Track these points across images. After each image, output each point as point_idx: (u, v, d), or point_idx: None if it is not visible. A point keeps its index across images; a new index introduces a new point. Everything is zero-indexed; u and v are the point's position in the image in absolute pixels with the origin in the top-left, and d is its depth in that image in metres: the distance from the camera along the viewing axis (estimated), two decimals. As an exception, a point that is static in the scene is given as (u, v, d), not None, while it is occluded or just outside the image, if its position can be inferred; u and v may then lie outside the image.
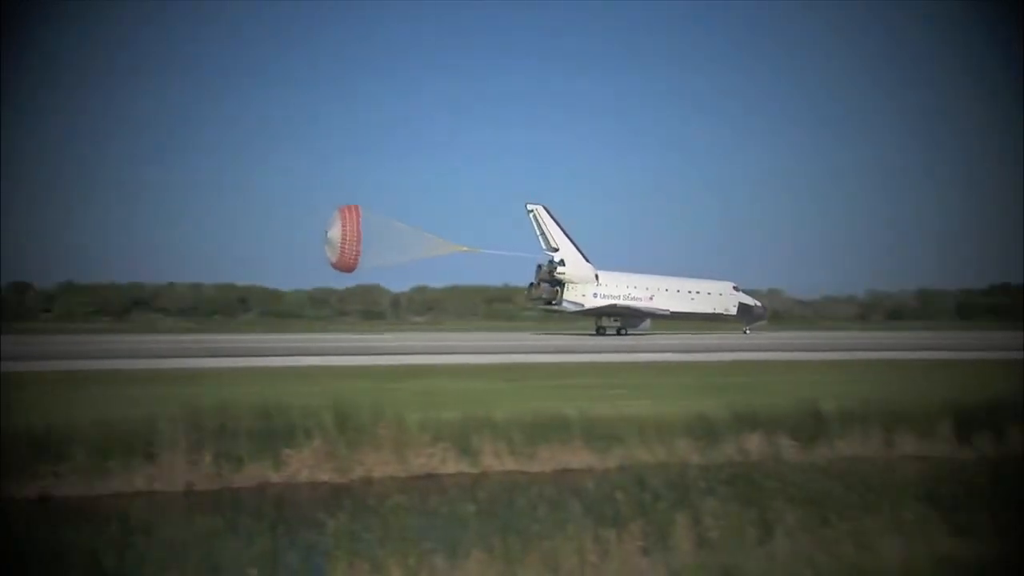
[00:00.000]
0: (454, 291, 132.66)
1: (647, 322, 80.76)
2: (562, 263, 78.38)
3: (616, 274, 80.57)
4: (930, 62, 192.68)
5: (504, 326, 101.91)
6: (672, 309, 79.86)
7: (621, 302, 78.96)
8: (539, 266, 79.65)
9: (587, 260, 78.91)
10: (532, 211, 79.00)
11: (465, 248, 76.46)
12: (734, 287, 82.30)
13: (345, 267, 71.83)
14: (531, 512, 15.42)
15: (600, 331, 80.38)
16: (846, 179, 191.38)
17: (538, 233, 78.76)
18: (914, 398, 25.51)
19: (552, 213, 79.11)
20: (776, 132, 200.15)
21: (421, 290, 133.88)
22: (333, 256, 70.77)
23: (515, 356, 45.44)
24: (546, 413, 23.19)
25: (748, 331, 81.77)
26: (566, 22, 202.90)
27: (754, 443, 22.28)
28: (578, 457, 21.98)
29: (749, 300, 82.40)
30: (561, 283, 78.52)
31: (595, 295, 78.95)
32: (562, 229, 79.09)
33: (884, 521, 14.68)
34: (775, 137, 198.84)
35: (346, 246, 70.43)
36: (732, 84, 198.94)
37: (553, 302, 78.93)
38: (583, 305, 78.80)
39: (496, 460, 21.66)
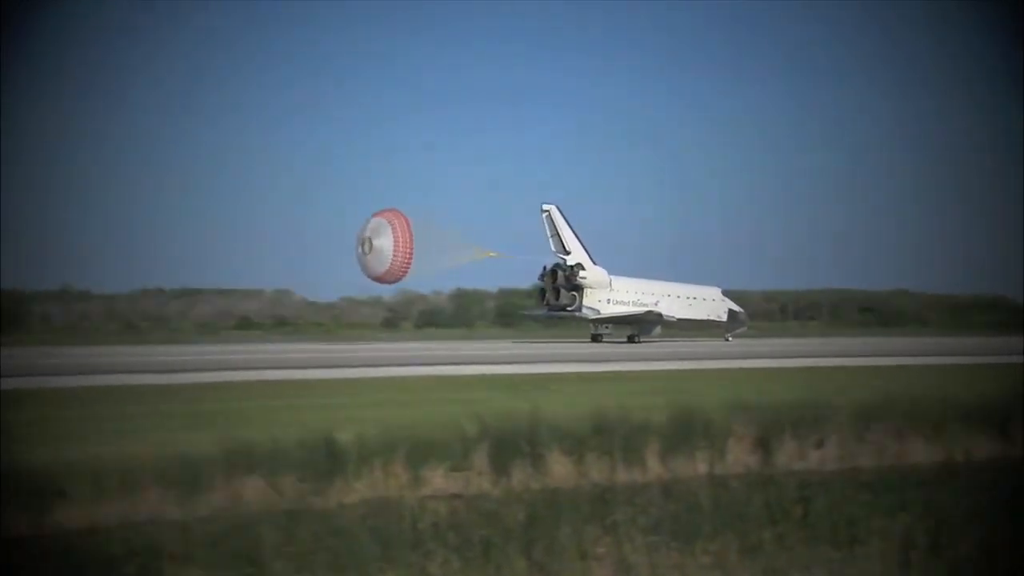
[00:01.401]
0: (456, 297, 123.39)
1: (658, 328, 79.14)
2: (581, 267, 76.47)
3: (626, 279, 79.21)
4: (927, 63, 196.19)
5: (507, 334, 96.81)
6: (677, 316, 79.19)
7: (634, 309, 77.64)
8: (550, 270, 77.44)
9: (595, 264, 77.56)
10: (547, 211, 77.03)
11: (493, 253, 74.42)
12: (722, 292, 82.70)
13: (392, 279, 70.18)
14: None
15: (596, 338, 78.60)
16: (832, 179, 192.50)
17: (550, 235, 76.92)
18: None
19: (564, 215, 77.57)
20: (761, 130, 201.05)
21: (411, 296, 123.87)
22: (380, 267, 68.33)
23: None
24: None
25: (730, 338, 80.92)
26: (565, 20, 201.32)
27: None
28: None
29: (735, 306, 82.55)
30: (580, 288, 76.63)
31: (609, 301, 77.61)
32: (574, 232, 77.40)
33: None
34: (754, 132, 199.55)
35: (398, 257, 68.15)
36: (723, 83, 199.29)
37: (570, 308, 76.82)
38: (599, 311, 77.23)
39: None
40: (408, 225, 68.52)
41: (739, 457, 19.54)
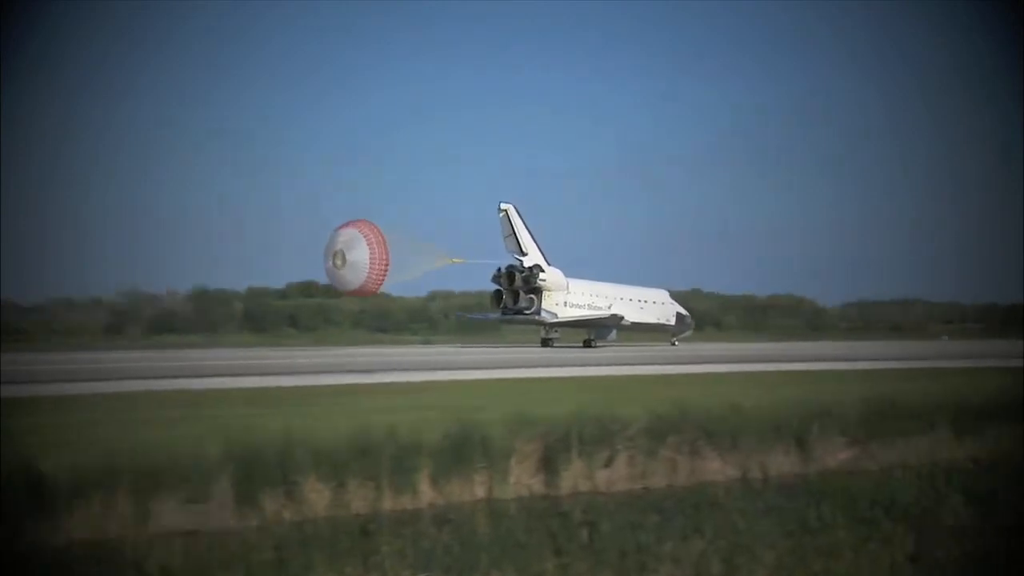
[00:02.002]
0: (197, 297, 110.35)
1: (614, 333, 77.13)
2: (541, 268, 73.89)
3: (581, 282, 76.77)
4: (924, 63, 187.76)
5: (259, 340, 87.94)
6: (631, 319, 77.03)
7: (589, 312, 75.48)
8: (506, 271, 74.34)
9: (551, 265, 74.96)
10: (505, 210, 74.69)
11: (458, 259, 72.54)
12: (669, 294, 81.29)
13: (366, 292, 69.21)
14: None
15: (547, 343, 75.91)
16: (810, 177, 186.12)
17: (506, 235, 74.39)
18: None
19: (521, 214, 75.02)
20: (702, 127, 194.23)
21: (141, 297, 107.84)
22: (355, 280, 66.94)
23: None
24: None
25: (676, 342, 79.28)
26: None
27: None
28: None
29: (681, 309, 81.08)
30: (538, 290, 73.97)
31: (565, 304, 75.24)
32: (530, 232, 74.99)
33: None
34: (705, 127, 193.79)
35: (374, 270, 66.83)
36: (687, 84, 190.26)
37: (527, 311, 73.98)
38: (556, 315, 74.70)
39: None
40: (383, 237, 67.62)
41: (521, 479, 17.95)
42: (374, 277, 67.11)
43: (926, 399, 23.88)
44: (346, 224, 68.45)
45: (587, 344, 75.47)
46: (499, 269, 74.76)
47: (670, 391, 26.10)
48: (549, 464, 18.29)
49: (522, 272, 73.85)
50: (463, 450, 17.56)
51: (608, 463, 18.74)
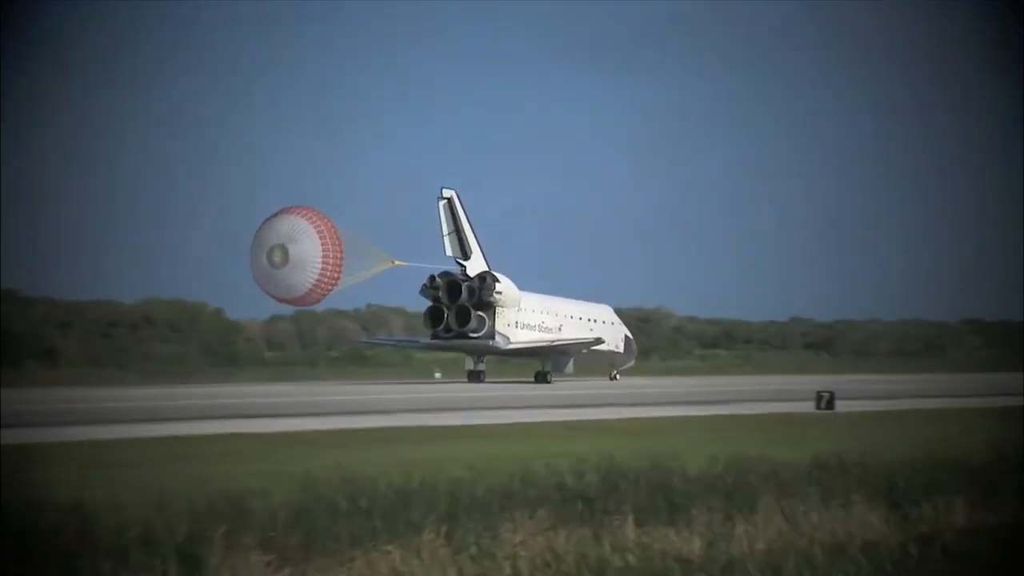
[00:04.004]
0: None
1: (571, 363, 63.13)
2: (495, 278, 60.13)
3: (533, 296, 63.33)
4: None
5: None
6: (611, 346, 64.90)
7: (541, 335, 62.29)
8: (447, 281, 60.25)
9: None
10: (447, 198, 60.36)
11: (401, 263, 59.50)
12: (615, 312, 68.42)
13: (309, 300, 56.14)
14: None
15: (475, 376, 61.62)
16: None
17: (447, 231, 60.15)
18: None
19: (464, 206, 61.07)
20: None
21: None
22: (299, 284, 54.15)
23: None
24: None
25: (617, 375, 66.43)
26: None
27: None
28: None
29: (627, 331, 67.80)
30: (491, 307, 60.00)
31: (517, 324, 61.38)
32: (473, 229, 61.20)
33: None
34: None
35: (326, 272, 54.29)
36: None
37: (475, 334, 59.43)
38: (509, 338, 60.73)
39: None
40: (335, 230, 55.39)
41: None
42: (325, 282, 54.71)
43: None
44: (285, 210, 56.04)
45: (540, 379, 62.09)
46: (432, 278, 60.39)
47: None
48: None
49: (467, 282, 60.14)
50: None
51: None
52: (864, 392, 47.88)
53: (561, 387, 56.32)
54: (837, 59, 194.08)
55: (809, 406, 35.08)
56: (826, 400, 34.72)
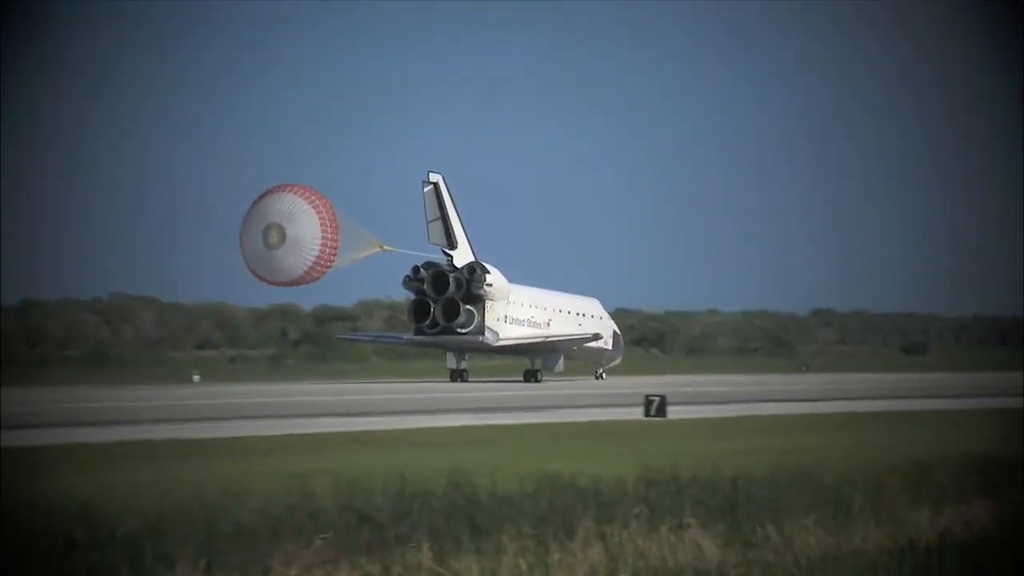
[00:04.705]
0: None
1: (561, 361, 66.36)
2: (485, 269, 62.97)
3: (522, 288, 66.44)
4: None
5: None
6: (604, 342, 67.92)
7: (530, 330, 65.43)
8: (433, 273, 63.12)
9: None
10: (433, 183, 63.21)
11: (389, 247, 62.43)
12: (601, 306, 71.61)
13: (306, 281, 59.06)
14: None
15: (458, 375, 63.98)
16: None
17: (431, 219, 62.81)
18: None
19: (451, 192, 63.98)
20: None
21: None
22: (295, 266, 57.72)
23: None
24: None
25: (604, 374, 70.03)
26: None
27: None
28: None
29: (615, 326, 71.14)
30: (480, 300, 62.90)
31: (506, 319, 64.36)
32: (459, 216, 64.02)
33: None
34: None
35: (325, 251, 57.68)
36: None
37: (463, 329, 62.21)
38: (498, 334, 63.62)
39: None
40: (332, 210, 58.77)
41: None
42: (321, 264, 58.39)
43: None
44: (279, 188, 59.73)
45: (531, 377, 65.76)
46: (416, 269, 63.38)
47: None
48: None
49: (454, 273, 63.16)
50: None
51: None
52: (700, 395, 48.51)
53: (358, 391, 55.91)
54: (837, 59, 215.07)
55: (637, 412, 35.09)
56: (656, 405, 34.70)
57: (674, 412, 35.08)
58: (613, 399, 43.69)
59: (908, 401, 44.79)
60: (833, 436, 28.21)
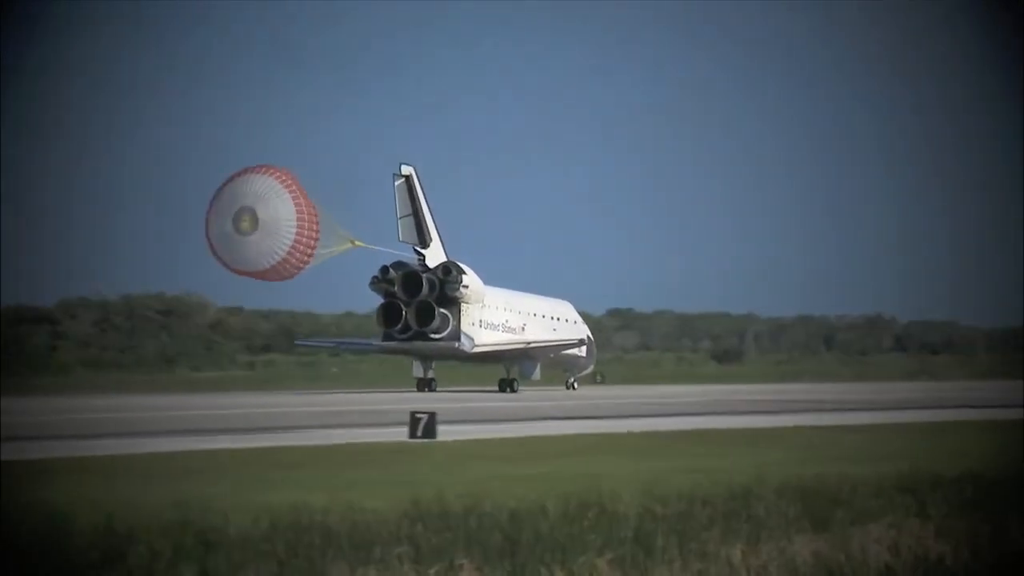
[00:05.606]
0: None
1: (538, 369, 72.63)
2: (461, 270, 68.55)
3: (497, 291, 72.20)
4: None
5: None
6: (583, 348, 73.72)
7: (505, 336, 70.97)
8: (404, 274, 68.08)
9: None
10: (405, 176, 68.35)
11: (361, 243, 66.41)
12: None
13: (283, 273, 61.44)
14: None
15: (425, 385, 68.94)
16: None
17: (402, 214, 67.88)
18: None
19: (423, 187, 69.14)
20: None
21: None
22: (268, 253, 59.80)
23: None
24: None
25: (575, 384, 75.55)
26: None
27: None
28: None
29: (588, 331, 77.10)
30: (456, 304, 68.30)
31: (481, 323, 69.97)
32: (431, 212, 69.38)
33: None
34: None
35: (302, 239, 60.19)
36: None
37: (436, 335, 67.35)
38: (474, 340, 69.06)
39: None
40: (307, 197, 61.90)
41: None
42: (299, 253, 61.42)
43: None
44: (251, 169, 62.73)
45: (506, 387, 70.80)
46: (385, 269, 68.58)
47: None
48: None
49: (427, 273, 68.51)
50: None
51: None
52: (471, 412, 48.92)
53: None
54: (835, 58, 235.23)
55: (401, 433, 35.11)
56: (424, 424, 34.76)
57: (445, 432, 35.04)
58: (375, 417, 43.83)
59: (723, 418, 45.53)
60: (633, 460, 28.53)
